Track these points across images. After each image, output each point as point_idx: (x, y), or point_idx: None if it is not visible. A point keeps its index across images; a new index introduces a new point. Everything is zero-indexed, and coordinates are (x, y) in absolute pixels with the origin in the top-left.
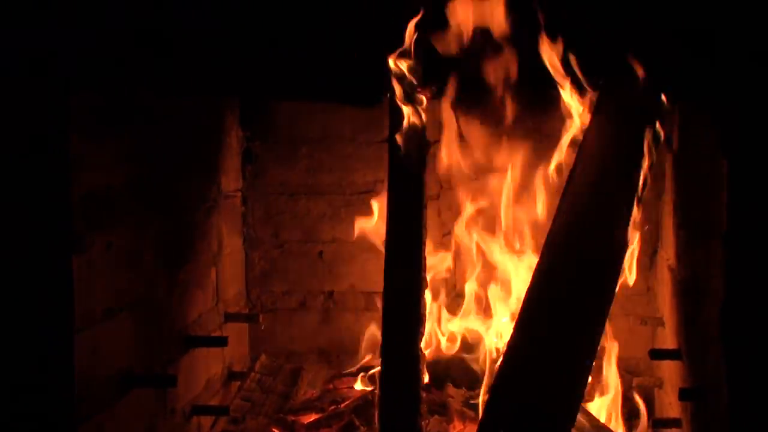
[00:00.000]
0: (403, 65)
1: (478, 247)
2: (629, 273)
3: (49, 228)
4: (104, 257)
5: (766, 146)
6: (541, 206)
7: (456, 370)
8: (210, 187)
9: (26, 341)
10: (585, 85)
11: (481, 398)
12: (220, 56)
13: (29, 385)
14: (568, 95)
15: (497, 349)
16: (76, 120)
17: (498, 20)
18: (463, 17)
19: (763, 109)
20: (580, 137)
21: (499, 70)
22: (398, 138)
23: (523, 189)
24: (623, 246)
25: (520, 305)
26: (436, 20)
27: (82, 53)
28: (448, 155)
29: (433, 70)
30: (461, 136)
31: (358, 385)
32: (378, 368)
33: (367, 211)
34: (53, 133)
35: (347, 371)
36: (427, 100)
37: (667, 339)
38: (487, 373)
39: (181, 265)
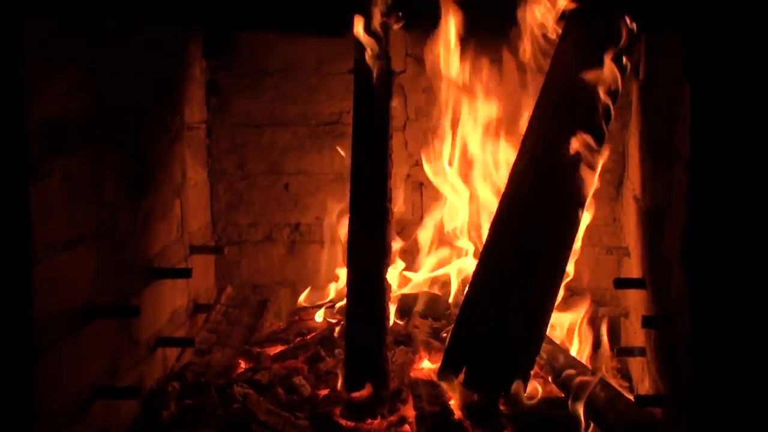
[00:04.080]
0: None
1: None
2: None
3: (5, 156)
4: (63, 186)
5: (727, 69)
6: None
7: (421, 302)
8: (173, 118)
9: None
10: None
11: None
12: None
13: None
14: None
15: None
16: (33, 44)
17: None
18: None
19: (723, 32)
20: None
21: None
22: (363, 68)
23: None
24: (588, 176)
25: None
26: None
27: None
28: None
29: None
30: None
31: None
32: (344, 300)
33: (333, 143)
34: (9, 57)
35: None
36: (393, 29)
37: (633, 268)
38: (452, 303)
39: (144, 196)
